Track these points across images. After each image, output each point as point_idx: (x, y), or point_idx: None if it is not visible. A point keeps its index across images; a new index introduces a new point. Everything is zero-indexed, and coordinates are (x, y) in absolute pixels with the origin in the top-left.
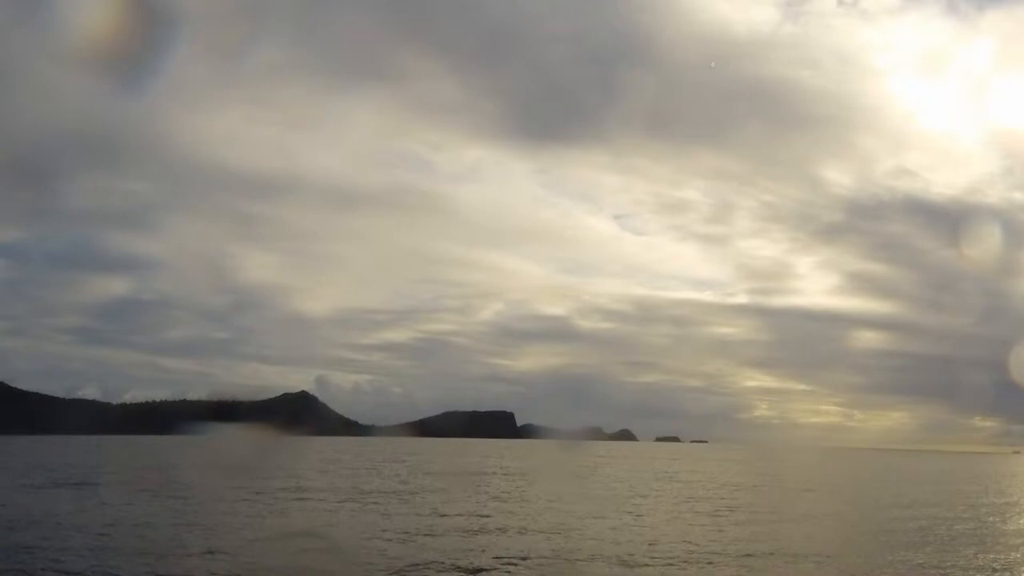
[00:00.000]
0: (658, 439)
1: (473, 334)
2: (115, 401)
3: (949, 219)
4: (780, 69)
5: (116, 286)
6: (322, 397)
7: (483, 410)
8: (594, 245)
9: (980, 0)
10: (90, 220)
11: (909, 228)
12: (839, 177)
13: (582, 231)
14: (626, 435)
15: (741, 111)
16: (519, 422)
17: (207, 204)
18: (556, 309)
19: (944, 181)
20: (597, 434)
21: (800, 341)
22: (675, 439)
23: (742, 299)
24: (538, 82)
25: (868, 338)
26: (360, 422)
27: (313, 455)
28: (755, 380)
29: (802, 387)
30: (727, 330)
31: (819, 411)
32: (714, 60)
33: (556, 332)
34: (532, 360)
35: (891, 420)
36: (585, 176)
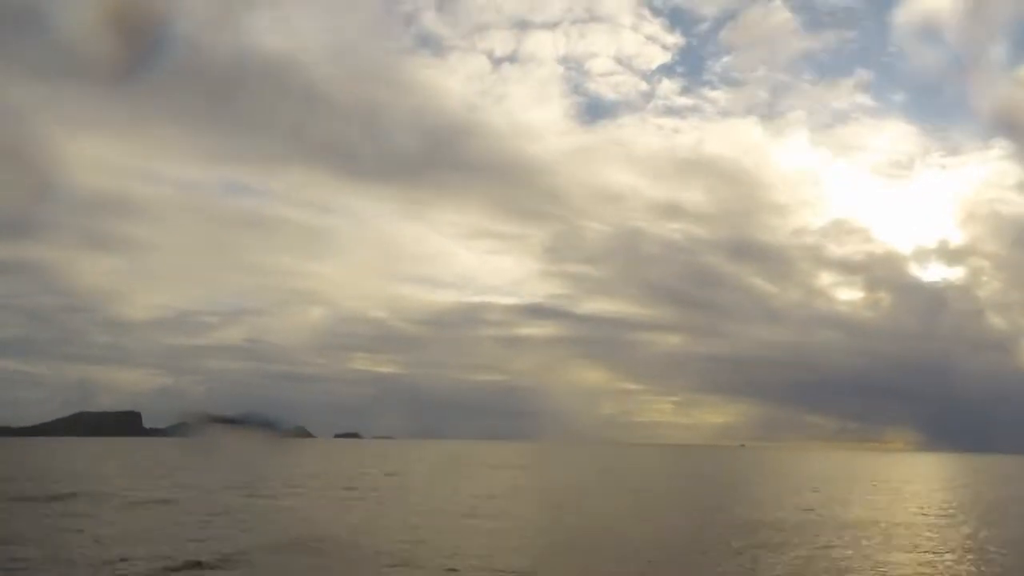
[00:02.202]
0: (337, 436)
1: (295, 337)
2: None
3: (760, 255)
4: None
5: None
6: None
7: (112, 411)
8: (427, 260)
9: None
10: None
11: (718, 259)
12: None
13: (418, 249)
14: (301, 432)
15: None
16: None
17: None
18: (379, 313)
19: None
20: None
21: (629, 344)
22: (355, 435)
23: (563, 305)
24: (386, 144)
25: (700, 342)
26: None
27: None
28: (582, 379)
29: (633, 386)
30: (549, 331)
31: (652, 410)
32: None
33: (376, 336)
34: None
35: (728, 417)
36: (424, 211)
